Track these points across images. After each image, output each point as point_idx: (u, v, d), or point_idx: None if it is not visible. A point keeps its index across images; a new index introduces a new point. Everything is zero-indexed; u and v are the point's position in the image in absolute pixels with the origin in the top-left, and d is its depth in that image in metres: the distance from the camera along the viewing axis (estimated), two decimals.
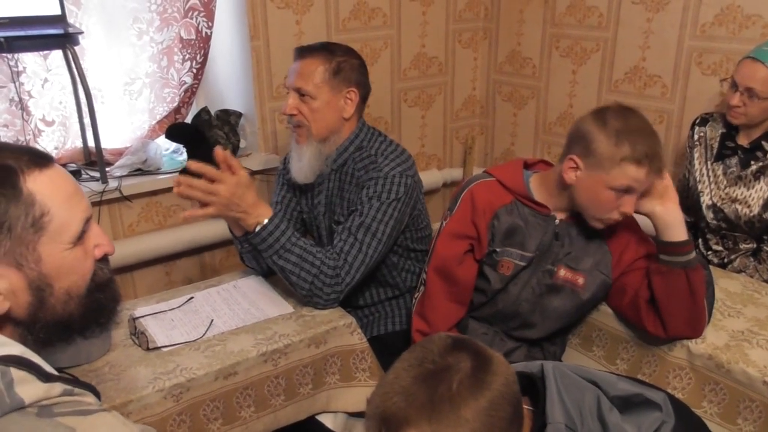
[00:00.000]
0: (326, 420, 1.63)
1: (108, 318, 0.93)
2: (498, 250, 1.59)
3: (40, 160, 0.84)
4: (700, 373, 1.46)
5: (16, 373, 0.74)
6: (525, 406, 1.03)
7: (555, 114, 2.82)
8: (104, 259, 0.92)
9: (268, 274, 1.77)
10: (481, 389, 0.93)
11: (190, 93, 2.44)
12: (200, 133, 2.34)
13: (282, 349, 1.47)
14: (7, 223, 0.79)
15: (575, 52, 2.67)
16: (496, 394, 0.94)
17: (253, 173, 2.46)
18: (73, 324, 0.89)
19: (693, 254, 1.46)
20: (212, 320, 1.54)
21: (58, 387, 0.77)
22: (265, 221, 1.54)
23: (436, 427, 0.91)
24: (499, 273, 1.60)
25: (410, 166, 1.72)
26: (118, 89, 2.32)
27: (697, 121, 2.10)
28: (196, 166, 1.48)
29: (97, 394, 0.84)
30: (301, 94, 1.70)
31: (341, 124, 1.75)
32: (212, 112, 2.48)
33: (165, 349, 1.44)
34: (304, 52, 1.72)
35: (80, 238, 0.86)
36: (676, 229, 1.46)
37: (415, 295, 1.69)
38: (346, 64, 1.72)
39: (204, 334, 1.49)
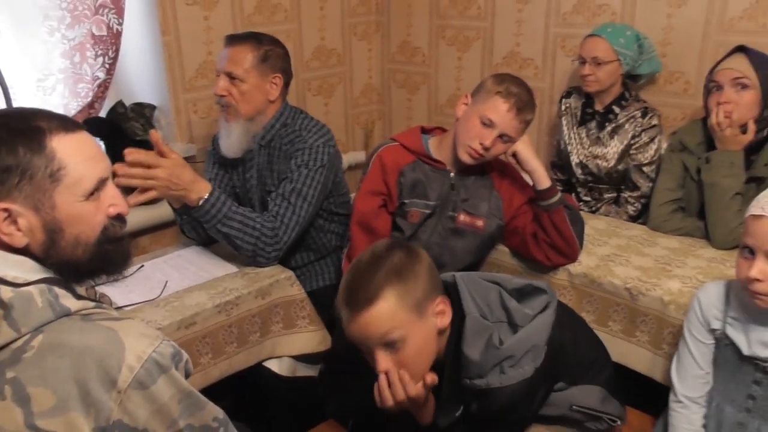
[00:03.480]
0: (272, 365, 1.84)
1: (115, 268, 1.08)
2: (406, 201, 1.88)
3: (69, 125, 1.00)
4: (578, 290, 1.81)
5: (58, 290, 0.92)
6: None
7: (445, 96, 3.15)
8: (121, 219, 1.07)
9: (208, 243, 1.95)
10: (416, 261, 1.23)
11: (104, 88, 2.52)
12: (117, 126, 2.44)
13: (233, 301, 1.67)
14: (30, 171, 0.94)
15: (459, 40, 3.00)
16: (429, 261, 1.24)
17: None
18: (81, 267, 1.04)
19: (553, 199, 1.77)
20: (166, 282, 1.71)
21: (90, 302, 0.95)
22: (206, 195, 1.71)
23: (404, 281, 1.18)
24: (408, 221, 1.89)
25: (331, 137, 1.96)
26: (31, 86, 2.37)
27: (564, 94, 2.50)
28: (133, 155, 1.59)
29: None
30: (231, 77, 1.89)
31: (266, 106, 1.95)
32: (127, 106, 2.58)
33: (127, 309, 1.60)
34: (234, 40, 1.92)
35: (93, 193, 1.01)
36: (538, 178, 1.78)
37: (343, 251, 1.94)
38: (272, 52, 1.93)
39: (161, 294, 1.66)
